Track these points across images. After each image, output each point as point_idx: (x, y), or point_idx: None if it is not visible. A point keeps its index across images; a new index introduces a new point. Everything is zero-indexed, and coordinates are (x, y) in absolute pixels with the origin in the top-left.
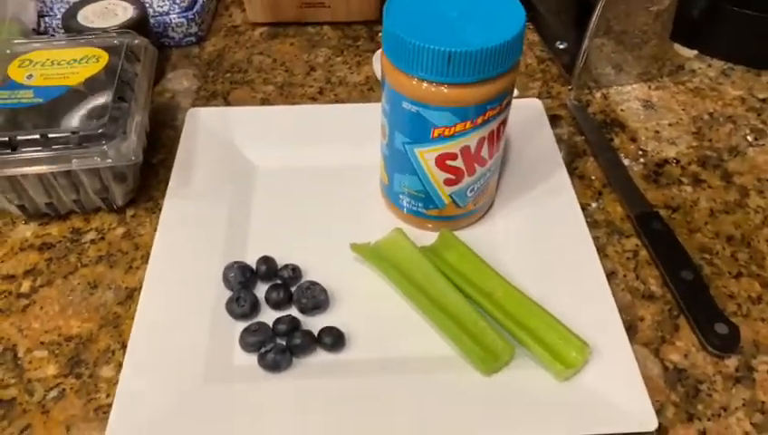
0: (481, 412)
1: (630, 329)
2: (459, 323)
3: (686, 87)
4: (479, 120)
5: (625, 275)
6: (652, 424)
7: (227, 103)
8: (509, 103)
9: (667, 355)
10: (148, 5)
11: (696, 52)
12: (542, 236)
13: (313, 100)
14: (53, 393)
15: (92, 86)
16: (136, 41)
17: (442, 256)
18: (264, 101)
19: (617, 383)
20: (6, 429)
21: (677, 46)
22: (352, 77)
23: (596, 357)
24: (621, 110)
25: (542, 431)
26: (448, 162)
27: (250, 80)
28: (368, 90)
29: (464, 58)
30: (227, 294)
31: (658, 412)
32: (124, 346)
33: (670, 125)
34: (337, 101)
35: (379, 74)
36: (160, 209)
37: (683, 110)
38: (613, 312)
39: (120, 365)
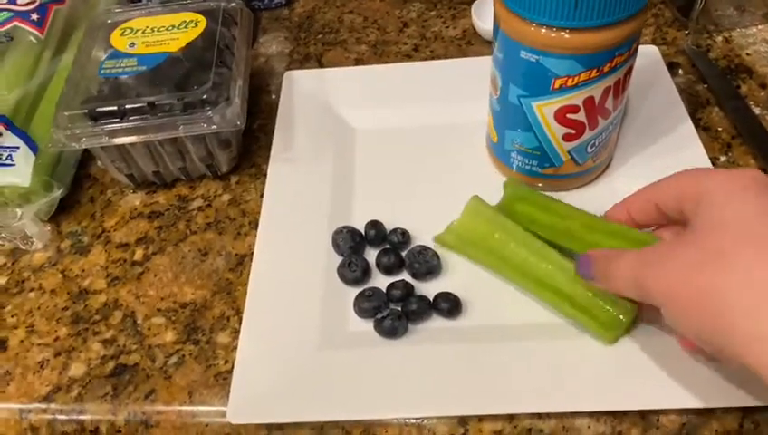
0: (603, 381)
1: None
2: (568, 298)
3: None
4: (606, 68)
5: None
6: None
7: (321, 65)
8: (637, 49)
9: None
10: None
11: None
12: None
13: (408, 57)
14: (174, 359)
15: (193, 52)
16: (232, 4)
17: (513, 209)
18: (358, 62)
19: None
20: (132, 393)
21: None
22: (448, 31)
23: None
24: (747, 54)
25: (666, 402)
26: (569, 115)
27: (342, 40)
28: (465, 44)
29: None
30: (337, 259)
31: None
32: (238, 313)
33: None
34: (433, 58)
35: (478, 26)
36: (264, 175)
37: None
38: None
39: (235, 332)
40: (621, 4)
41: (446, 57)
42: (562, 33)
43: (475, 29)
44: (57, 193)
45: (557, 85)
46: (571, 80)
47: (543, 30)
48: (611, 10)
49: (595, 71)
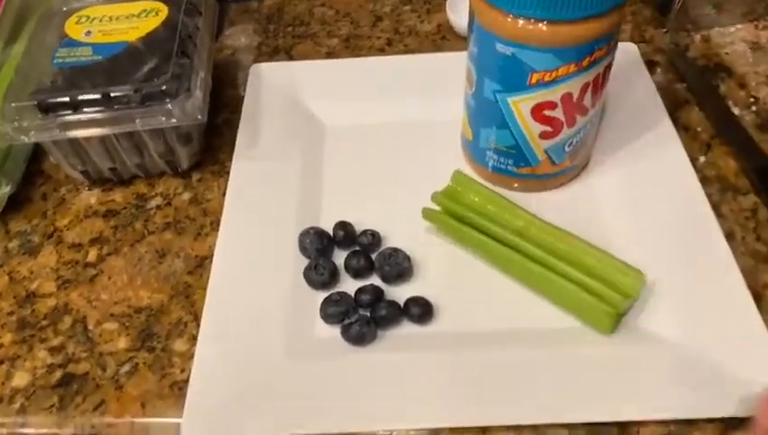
0: (580, 392)
1: (755, 298)
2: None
3: None
4: (585, 63)
5: (744, 238)
6: None
7: (290, 59)
8: (616, 44)
9: None
10: None
11: None
12: (648, 196)
13: (381, 52)
14: (126, 368)
15: (152, 42)
16: None
17: (461, 199)
18: (329, 56)
19: (746, 359)
20: (81, 405)
21: None
22: (423, 26)
23: (722, 330)
24: (726, 53)
25: (645, 414)
26: (546, 112)
27: (313, 33)
28: (440, 39)
29: None
30: (304, 261)
31: None
32: (197, 318)
33: None
34: (407, 53)
35: (453, 22)
36: (227, 172)
37: None
38: (738, 280)
39: (193, 338)
40: None
41: (420, 52)
42: (540, 26)
43: (449, 24)
44: (5, 189)
45: (534, 80)
46: (548, 75)
47: (521, 22)
48: (590, 3)
49: (573, 65)
